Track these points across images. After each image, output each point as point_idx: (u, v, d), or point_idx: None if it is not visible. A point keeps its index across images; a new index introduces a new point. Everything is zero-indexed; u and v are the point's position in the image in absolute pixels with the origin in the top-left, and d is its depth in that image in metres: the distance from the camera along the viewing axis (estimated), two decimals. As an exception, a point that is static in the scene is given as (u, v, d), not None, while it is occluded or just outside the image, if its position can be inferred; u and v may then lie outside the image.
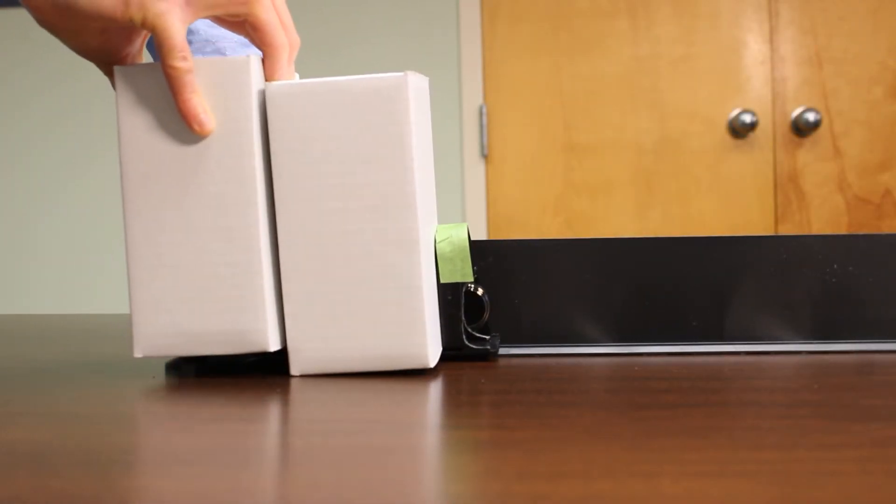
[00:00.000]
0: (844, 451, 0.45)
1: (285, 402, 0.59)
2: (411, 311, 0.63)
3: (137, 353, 0.65)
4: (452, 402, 0.59)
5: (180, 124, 0.64)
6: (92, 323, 0.92)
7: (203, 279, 0.64)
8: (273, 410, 0.58)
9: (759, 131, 2.64)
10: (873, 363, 0.65)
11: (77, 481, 0.43)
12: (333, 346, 0.64)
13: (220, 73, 0.64)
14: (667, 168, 2.66)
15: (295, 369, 0.64)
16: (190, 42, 1.05)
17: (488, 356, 0.67)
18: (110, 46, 0.67)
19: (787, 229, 2.64)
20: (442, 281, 0.67)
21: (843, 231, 2.63)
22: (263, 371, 0.68)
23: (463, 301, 0.67)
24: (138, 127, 0.64)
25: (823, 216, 2.64)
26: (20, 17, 2.80)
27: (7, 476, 0.44)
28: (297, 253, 0.64)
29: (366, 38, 2.73)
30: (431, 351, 0.64)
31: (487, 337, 0.68)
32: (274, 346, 0.64)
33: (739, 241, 0.70)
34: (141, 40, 0.69)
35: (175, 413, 0.57)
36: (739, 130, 2.63)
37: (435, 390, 0.61)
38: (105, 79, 0.74)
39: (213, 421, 0.54)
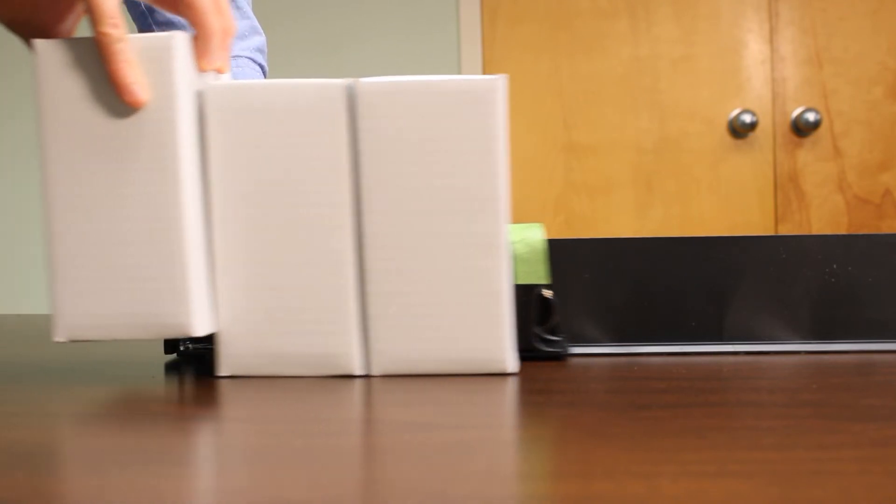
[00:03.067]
0: (843, 451, 0.45)
1: (285, 402, 0.59)
2: (494, 316, 0.63)
3: (58, 338, 0.63)
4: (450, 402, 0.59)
5: (104, 102, 0.61)
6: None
7: (126, 266, 0.62)
8: (273, 410, 0.58)
9: (759, 131, 2.64)
10: (872, 363, 0.65)
11: (75, 481, 0.43)
12: (413, 347, 0.63)
13: (138, 52, 0.60)
14: (667, 168, 2.66)
15: (377, 369, 0.64)
16: (174, 23, 1.04)
17: (560, 357, 0.68)
18: (40, 21, 0.63)
19: (787, 229, 2.64)
20: (517, 282, 0.66)
21: (843, 231, 2.63)
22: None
23: (535, 303, 0.67)
24: (60, 104, 0.61)
25: (823, 216, 2.64)
26: (20, 17, 2.80)
27: (4, 476, 0.44)
28: (381, 253, 0.63)
29: (366, 38, 2.73)
30: (510, 356, 0.64)
31: (558, 338, 0.68)
32: (201, 331, 0.62)
33: (739, 241, 0.70)
34: (74, 18, 0.65)
35: (174, 413, 0.57)
36: (739, 130, 2.63)
37: (433, 390, 0.60)
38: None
39: (212, 421, 0.54)
